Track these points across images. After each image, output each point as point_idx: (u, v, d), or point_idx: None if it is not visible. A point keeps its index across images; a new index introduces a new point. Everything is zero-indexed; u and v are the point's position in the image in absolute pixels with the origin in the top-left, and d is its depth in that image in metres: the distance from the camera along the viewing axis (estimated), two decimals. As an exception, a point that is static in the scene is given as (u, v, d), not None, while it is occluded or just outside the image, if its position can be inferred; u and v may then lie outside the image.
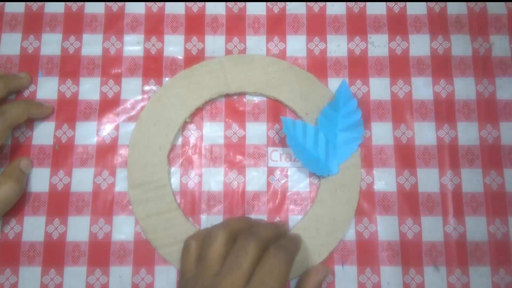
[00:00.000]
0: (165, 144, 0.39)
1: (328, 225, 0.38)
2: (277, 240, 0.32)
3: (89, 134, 0.40)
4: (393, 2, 0.42)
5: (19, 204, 0.38)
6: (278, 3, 0.42)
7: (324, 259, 0.37)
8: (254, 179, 0.39)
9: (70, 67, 0.41)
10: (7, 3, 0.42)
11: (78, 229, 0.38)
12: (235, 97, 0.41)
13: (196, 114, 0.40)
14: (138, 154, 0.39)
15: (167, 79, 0.41)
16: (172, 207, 0.38)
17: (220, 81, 0.40)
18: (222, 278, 0.30)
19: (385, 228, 0.38)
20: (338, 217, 0.38)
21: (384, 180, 0.39)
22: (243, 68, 0.40)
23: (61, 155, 0.39)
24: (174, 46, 0.41)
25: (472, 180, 0.39)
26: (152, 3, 0.42)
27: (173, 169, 0.39)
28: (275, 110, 0.40)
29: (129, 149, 0.39)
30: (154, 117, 0.39)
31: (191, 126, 0.40)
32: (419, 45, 0.41)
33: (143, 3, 0.42)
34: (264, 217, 0.38)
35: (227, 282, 0.29)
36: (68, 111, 0.40)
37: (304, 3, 0.42)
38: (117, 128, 0.40)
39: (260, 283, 0.29)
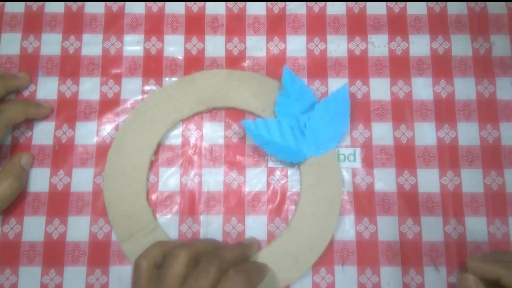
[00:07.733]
0: (140, 189, 0.38)
1: (322, 206, 0.38)
2: (241, 264, 0.32)
3: (89, 134, 0.39)
4: (393, 2, 0.42)
5: (19, 204, 0.38)
6: (278, 3, 0.42)
7: (329, 241, 0.37)
8: (254, 179, 0.39)
9: (70, 67, 0.41)
10: (7, 3, 0.42)
11: (78, 229, 0.38)
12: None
13: (195, 114, 0.40)
14: (116, 209, 0.38)
15: (167, 79, 0.40)
16: None
17: (170, 111, 0.39)
18: None
19: (385, 228, 0.38)
20: (329, 193, 0.38)
21: (384, 181, 0.39)
22: (187, 90, 0.40)
23: (61, 155, 0.39)
24: (174, 46, 0.41)
25: (472, 180, 0.39)
26: (152, 3, 0.42)
27: (173, 169, 0.39)
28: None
29: (107, 207, 0.38)
30: (119, 168, 0.38)
31: (191, 126, 0.40)
32: (419, 45, 0.41)
33: (143, 3, 0.42)
34: (264, 217, 0.38)
35: None
36: (68, 111, 0.40)
37: (304, 3, 0.42)
38: (117, 128, 0.40)
39: None
